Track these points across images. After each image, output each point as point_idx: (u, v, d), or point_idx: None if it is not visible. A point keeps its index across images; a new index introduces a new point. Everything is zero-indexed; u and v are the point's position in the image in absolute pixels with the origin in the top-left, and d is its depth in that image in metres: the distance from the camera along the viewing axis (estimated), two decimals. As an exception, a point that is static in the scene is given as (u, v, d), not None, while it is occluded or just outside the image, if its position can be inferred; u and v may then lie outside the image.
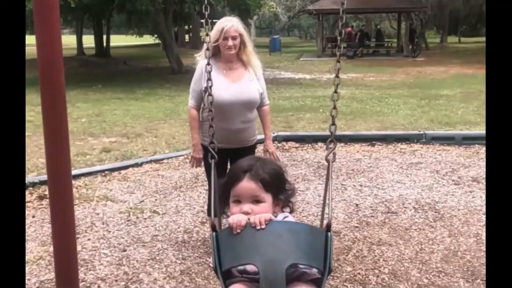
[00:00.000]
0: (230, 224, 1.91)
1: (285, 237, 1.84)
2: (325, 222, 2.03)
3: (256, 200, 2.00)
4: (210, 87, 2.64)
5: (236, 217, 1.92)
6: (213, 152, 2.35)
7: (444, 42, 39.62)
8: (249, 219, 1.90)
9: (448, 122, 9.01)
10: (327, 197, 2.07)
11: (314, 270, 1.91)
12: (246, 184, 2.00)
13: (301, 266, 1.90)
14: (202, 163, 3.84)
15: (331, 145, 2.14)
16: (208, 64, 2.64)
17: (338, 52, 2.25)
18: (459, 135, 7.64)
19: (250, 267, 1.89)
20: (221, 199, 2.10)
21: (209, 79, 2.63)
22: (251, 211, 1.95)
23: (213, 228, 1.99)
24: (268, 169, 2.05)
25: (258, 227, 1.85)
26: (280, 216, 2.04)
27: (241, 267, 1.93)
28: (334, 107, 2.19)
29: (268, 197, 2.01)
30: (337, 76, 2.22)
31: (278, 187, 2.07)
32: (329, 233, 1.93)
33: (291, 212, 2.13)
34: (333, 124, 2.18)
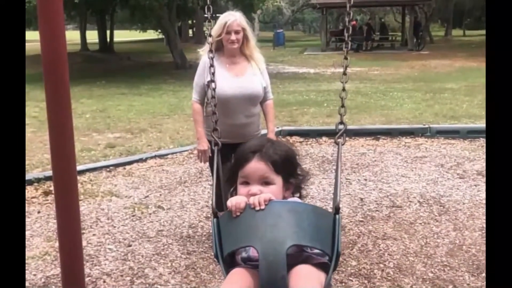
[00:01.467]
0: (229, 207, 1.84)
1: (285, 217, 1.76)
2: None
3: (266, 182, 1.90)
4: (213, 73, 2.64)
5: (235, 199, 1.85)
6: (217, 139, 2.29)
7: (449, 35, 39.47)
8: (248, 200, 1.82)
9: (453, 115, 8.97)
10: (337, 181, 1.98)
11: (321, 254, 1.84)
12: (255, 165, 1.90)
13: (307, 250, 1.83)
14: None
15: (341, 127, 2.09)
16: (211, 51, 2.64)
17: (346, 34, 2.23)
18: (464, 129, 7.62)
19: (253, 254, 1.82)
20: (229, 182, 2.03)
21: (211, 65, 2.62)
22: (260, 193, 1.85)
23: (215, 214, 1.94)
24: (280, 150, 1.95)
25: (257, 208, 1.78)
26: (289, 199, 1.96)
27: (244, 255, 1.88)
28: (344, 89, 2.15)
29: (278, 179, 1.92)
30: (345, 58, 2.20)
31: (289, 170, 1.97)
32: (337, 216, 1.85)
33: (300, 197, 2.05)
34: (343, 106, 2.12)
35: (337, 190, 1.94)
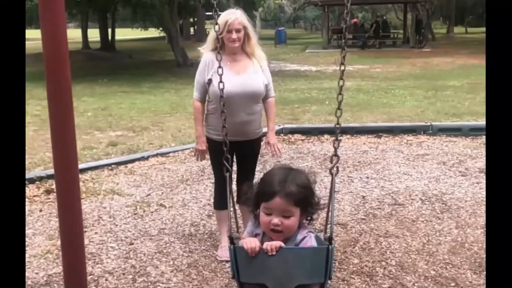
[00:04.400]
0: (246, 249, 2.12)
1: (291, 262, 2.12)
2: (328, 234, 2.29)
3: (286, 215, 2.14)
4: (221, 75, 2.68)
5: (249, 242, 2.14)
6: (228, 166, 2.49)
7: (451, 32, 39.34)
8: (261, 245, 2.13)
9: (455, 113, 8.96)
10: (331, 211, 2.28)
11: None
12: (278, 201, 2.12)
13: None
14: (207, 156, 3.86)
15: (335, 159, 2.33)
16: (219, 52, 2.68)
17: (343, 41, 2.26)
18: (466, 126, 7.60)
19: None
20: (253, 205, 2.27)
21: (219, 66, 2.71)
22: (281, 224, 2.13)
23: (231, 241, 2.22)
24: (300, 187, 2.17)
25: (270, 254, 2.09)
26: (300, 236, 2.19)
27: None
28: (338, 123, 2.34)
29: (297, 211, 2.16)
30: (340, 94, 2.33)
31: (307, 201, 2.20)
32: (330, 246, 2.15)
33: (312, 220, 2.29)
34: (337, 139, 2.34)
35: (331, 220, 2.26)
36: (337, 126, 2.35)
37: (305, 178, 2.24)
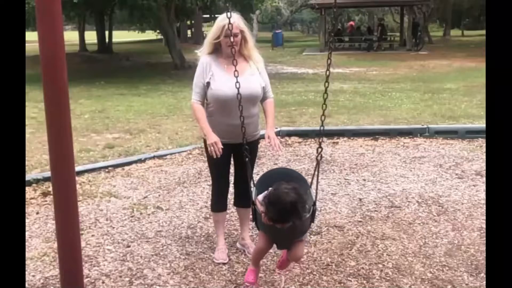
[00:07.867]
0: (262, 220, 3.08)
1: (292, 230, 3.06)
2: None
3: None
4: (236, 75, 2.83)
5: (266, 220, 3.03)
6: (250, 167, 3.22)
7: (447, 35, 39.46)
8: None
9: (451, 115, 8.98)
10: (315, 186, 3.33)
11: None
12: (283, 226, 2.98)
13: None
14: (204, 159, 3.85)
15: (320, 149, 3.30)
16: (233, 47, 2.82)
17: (331, 45, 2.34)
18: (462, 129, 7.62)
19: None
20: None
21: (234, 58, 3.19)
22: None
23: (253, 203, 3.22)
24: (302, 216, 2.98)
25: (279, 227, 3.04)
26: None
27: None
28: (321, 137, 3.17)
29: None
30: (326, 92, 2.65)
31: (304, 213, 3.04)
32: (313, 207, 3.19)
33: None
34: (320, 147, 3.32)
35: (316, 191, 3.32)
36: (321, 137, 3.31)
37: (306, 197, 3.06)
